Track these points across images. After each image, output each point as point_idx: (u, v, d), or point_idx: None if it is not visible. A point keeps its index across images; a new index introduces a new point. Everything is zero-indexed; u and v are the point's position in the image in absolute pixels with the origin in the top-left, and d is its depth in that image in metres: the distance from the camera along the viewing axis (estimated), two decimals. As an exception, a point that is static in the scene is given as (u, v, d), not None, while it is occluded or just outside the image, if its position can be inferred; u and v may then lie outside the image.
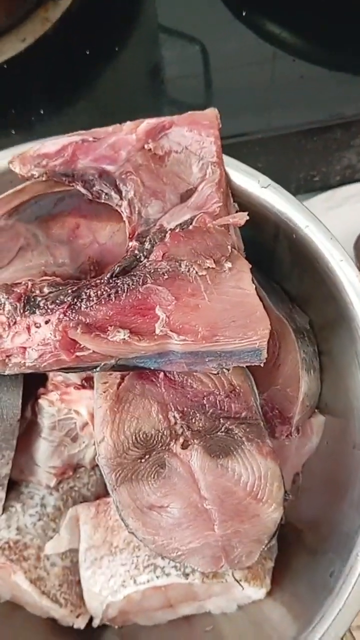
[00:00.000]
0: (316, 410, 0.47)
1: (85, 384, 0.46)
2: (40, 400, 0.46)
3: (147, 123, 0.40)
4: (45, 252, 0.42)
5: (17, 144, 0.47)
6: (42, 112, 0.55)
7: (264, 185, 0.41)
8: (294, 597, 0.42)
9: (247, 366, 0.41)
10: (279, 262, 0.46)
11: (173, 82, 0.68)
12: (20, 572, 0.43)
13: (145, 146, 0.41)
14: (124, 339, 0.35)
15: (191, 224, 0.39)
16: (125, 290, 0.36)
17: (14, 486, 0.48)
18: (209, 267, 0.35)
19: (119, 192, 0.41)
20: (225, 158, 0.42)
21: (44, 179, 0.40)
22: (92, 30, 0.62)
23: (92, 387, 0.46)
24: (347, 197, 0.65)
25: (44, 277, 0.39)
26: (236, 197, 0.43)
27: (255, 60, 0.67)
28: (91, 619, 0.45)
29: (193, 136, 0.41)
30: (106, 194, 0.41)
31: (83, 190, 0.41)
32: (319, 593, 0.38)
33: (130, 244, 0.39)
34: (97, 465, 0.50)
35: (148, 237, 0.37)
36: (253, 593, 0.42)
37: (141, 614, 0.44)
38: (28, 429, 0.48)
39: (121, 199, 0.41)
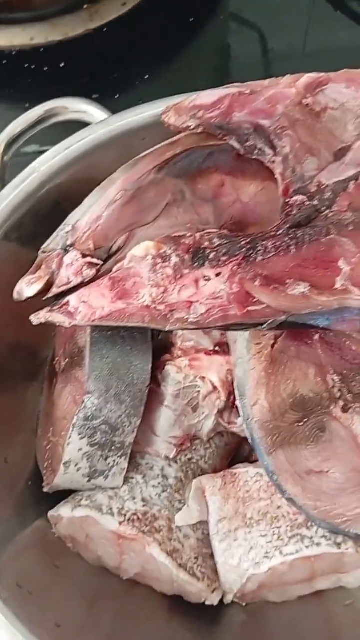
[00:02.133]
0: None
1: (219, 349, 0.44)
2: (167, 367, 0.44)
3: (307, 77, 0.39)
4: (191, 210, 0.41)
5: (124, 108, 0.45)
6: (146, 76, 0.54)
7: None
8: None
9: None
10: None
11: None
12: (155, 544, 0.41)
13: (304, 101, 0.39)
14: (304, 292, 0.34)
15: (356, 179, 0.38)
16: (307, 242, 0.34)
17: (129, 458, 0.46)
18: None
19: (273, 147, 0.39)
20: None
21: (199, 131, 0.39)
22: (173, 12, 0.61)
23: (225, 353, 0.45)
24: None
25: (210, 230, 0.37)
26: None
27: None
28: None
29: (351, 93, 0.40)
30: (259, 149, 0.40)
31: (236, 145, 0.39)
32: None
33: (296, 198, 0.37)
34: (212, 438, 0.48)
35: (329, 188, 0.36)
36: None
37: (278, 588, 0.42)
38: (148, 399, 0.46)
39: (275, 154, 0.39)
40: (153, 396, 0.46)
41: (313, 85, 0.39)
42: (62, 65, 0.57)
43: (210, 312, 0.35)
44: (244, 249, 0.34)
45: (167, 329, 0.36)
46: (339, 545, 0.39)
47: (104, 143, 0.44)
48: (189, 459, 0.47)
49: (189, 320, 0.36)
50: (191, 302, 0.35)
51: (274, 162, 0.39)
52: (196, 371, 0.44)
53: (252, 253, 0.34)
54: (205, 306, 0.35)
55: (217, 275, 0.35)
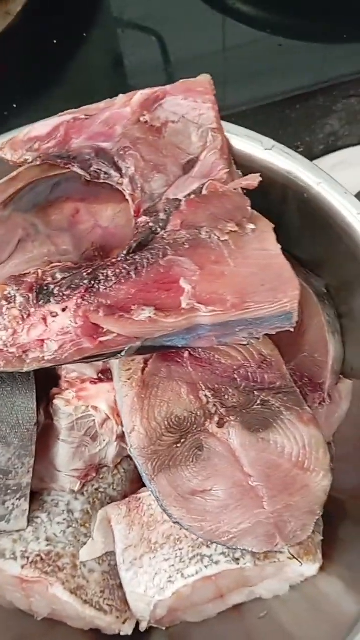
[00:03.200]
0: (341, 376, 0.46)
1: (103, 376, 0.43)
2: (55, 401, 0.44)
3: (140, 94, 0.39)
4: (47, 242, 0.40)
5: None
6: (14, 105, 0.53)
7: (268, 147, 0.40)
8: (347, 569, 0.41)
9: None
10: (287, 227, 0.44)
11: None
12: (58, 584, 0.40)
13: (141, 118, 0.39)
14: (150, 316, 0.33)
15: (200, 192, 0.37)
16: (145, 266, 0.34)
17: (35, 496, 0.45)
18: (231, 231, 0.34)
19: (119, 169, 0.39)
20: (224, 124, 0.40)
21: (38, 163, 0.38)
22: (57, 21, 0.60)
23: (110, 380, 0.44)
24: (332, 166, 0.64)
25: (54, 264, 0.36)
26: (239, 163, 0.41)
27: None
28: (137, 624, 0.43)
29: (189, 104, 0.39)
30: (105, 172, 0.39)
31: (80, 172, 0.39)
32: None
33: (140, 219, 0.37)
34: (119, 464, 0.47)
35: (162, 208, 0.35)
36: (307, 569, 0.40)
37: (191, 609, 0.42)
38: (43, 434, 0.45)
39: (122, 176, 0.39)
40: (49, 431, 0.45)
41: (149, 101, 0.39)
42: None
43: (64, 348, 0.34)
44: (85, 280, 0.34)
45: (25, 369, 0.35)
46: (237, 560, 0.39)
47: None
48: (96, 489, 0.46)
49: (46, 358, 0.35)
50: (42, 341, 0.34)
51: (121, 183, 0.39)
52: (85, 401, 0.44)
53: (94, 283, 0.34)
54: (57, 343, 0.34)
55: (64, 310, 0.34)
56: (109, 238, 0.41)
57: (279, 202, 0.42)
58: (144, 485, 0.47)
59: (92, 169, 0.39)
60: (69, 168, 0.39)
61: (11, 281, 0.35)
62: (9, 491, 0.42)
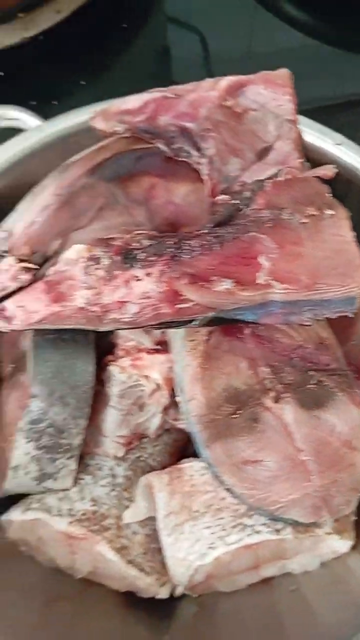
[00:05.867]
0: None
1: (160, 347, 0.45)
2: (110, 367, 0.45)
3: (227, 80, 0.41)
4: (124, 212, 0.42)
5: (61, 112, 0.46)
6: (83, 83, 0.55)
7: (337, 142, 0.42)
8: (376, 550, 0.43)
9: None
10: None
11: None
12: (104, 542, 0.42)
13: (224, 103, 0.41)
14: (228, 288, 0.35)
15: (276, 177, 0.39)
16: (229, 239, 0.35)
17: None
18: (310, 214, 0.36)
19: (199, 149, 0.41)
20: (298, 117, 0.43)
21: (127, 135, 0.40)
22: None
23: (165, 351, 0.46)
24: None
25: (138, 231, 0.38)
26: (307, 155, 0.43)
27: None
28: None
29: (269, 94, 0.42)
30: (186, 151, 0.41)
31: (164, 148, 0.41)
32: None
33: (220, 197, 0.39)
34: (160, 436, 0.49)
35: (247, 187, 0.37)
36: (340, 546, 0.42)
37: (226, 578, 0.43)
38: (94, 400, 0.47)
39: (201, 156, 0.41)
40: (99, 397, 0.47)
41: (233, 87, 0.41)
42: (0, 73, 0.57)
43: (143, 311, 0.36)
44: (171, 249, 0.36)
45: (101, 329, 0.37)
46: (278, 531, 0.41)
47: (39, 149, 0.44)
48: (137, 457, 0.48)
49: (123, 320, 0.37)
50: (124, 302, 0.36)
51: (200, 163, 0.41)
52: (139, 370, 0.45)
53: (178, 252, 0.36)
54: (137, 306, 0.36)
55: (147, 275, 0.36)
56: (180, 215, 0.43)
57: (340, 196, 0.44)
58: (181, 459, 0.49)
59: (174, 146, 0.41)
60: (153, 143, 0.41)
61: (100, 243, 0.36)
62: (60, 450, 0.44)
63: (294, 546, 0.42)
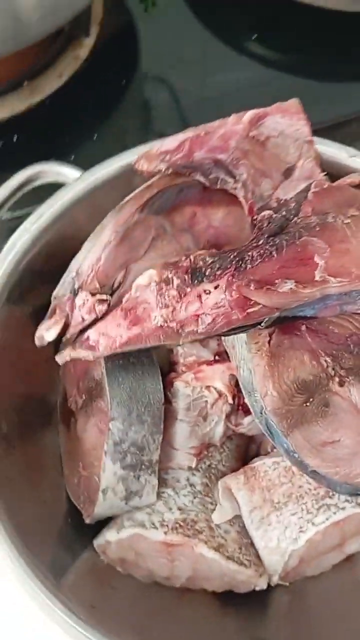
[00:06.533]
0: None
1: (219, 357, 0.49)
2: (176, 383, 0.49)
3: (249, 114, 0.46)
4: (173, 240, 0.46)
5: (82, 167, 0.51)
6: (96, 135, 0.60)
7: (352, 155, 0.48)
8: None
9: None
10: None
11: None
12: (202, 544, 0.45)
13: (250, 134, 0.46)
14: (291, 288, 0.40)
15: (308, 190, 0.44)
16: (285, 246, 0.40)
17: (156, 476, 0.50)
18: (351, 215, 0.41)
19: (233, 176, 0.46)
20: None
21: (169, 172, 0.45)
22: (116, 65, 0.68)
23: (225, 360, 0.50)
24: None
25: (200, 251, 0.42)
26: (324, 169, 0.49)
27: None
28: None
29: (286, 122, 0.47)
30: (222, 179, 0.46)
31: (202, 179, 0.46)
32: None
33: (264, 213, 0.44)
34: (224, 442, 0.52)
35: (289, 201, 0.42)
36: None
37: (315, 560, 0.46)
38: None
39: (236, 182, 0.46)
40: (166, 413, 0.50)
41: (255, 119, 0.47)
42: (15, 138, 0.62)
43: (216, 320, 0.40)
44: (234, 261, 0.40)
45: (181, 342, 0.41)
46: (361, 504, 0.45)
47: (81, 198, 0.49)
48: (209, 465, 0.51)
49: (199, 331, 0.41)
50: (198, 315, 0.40)
51: (235, 188, 0.46)
52: (202, 382, 0.49)
53: (241, 263, 0.40)
54: (211, 316, 0.40)
55: (216, 287, 0.40)
56: (220, 236, 0.48)
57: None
58: (246, 463, 0.53)
59: (211, 176, 0.46)
60: (192, 176, 0.46)
61: (169, 266, 0.41)
62: (142, 466, 0.47)
63: (376, 518, 0.46)
